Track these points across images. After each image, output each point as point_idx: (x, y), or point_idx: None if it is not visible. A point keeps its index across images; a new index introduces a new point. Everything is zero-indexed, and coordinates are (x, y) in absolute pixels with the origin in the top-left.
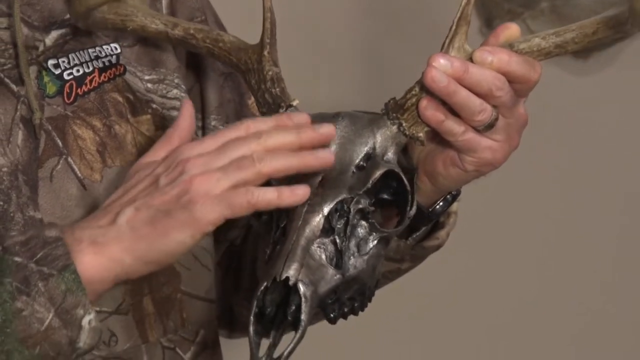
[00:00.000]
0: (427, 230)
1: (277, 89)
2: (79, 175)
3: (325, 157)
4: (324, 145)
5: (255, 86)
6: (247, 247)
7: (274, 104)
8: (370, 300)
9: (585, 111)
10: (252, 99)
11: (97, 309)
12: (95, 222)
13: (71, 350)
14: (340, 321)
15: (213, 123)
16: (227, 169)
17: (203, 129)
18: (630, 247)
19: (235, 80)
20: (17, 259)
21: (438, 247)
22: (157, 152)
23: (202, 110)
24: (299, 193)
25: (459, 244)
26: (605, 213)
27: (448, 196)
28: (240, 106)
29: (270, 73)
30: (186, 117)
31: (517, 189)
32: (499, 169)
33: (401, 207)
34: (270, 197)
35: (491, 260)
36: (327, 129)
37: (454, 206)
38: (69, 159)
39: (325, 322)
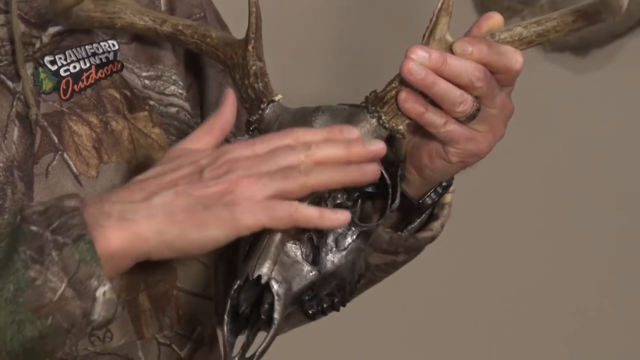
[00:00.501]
0: (422, 222)
1: (260, 84)
2: (75, 171)
3: (372, 172)
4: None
5: (239, 82)
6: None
7: (256, 99)
8: (352, 295)
9: (583, 108)
10: None
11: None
12: (128, 197)
13: (85, 322)
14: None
15: None
16: (273, 176)
17: None
18: (627, 244)
19: None
20: (33, 227)
21: (432, 239)
22: (200, 140)
23: (200, 107)
24: (340, 218)
25: (454, 241)
26: (601, 210)
27: (438, 187)
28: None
29: (254, 68)
30: (229, 107)
31: (514, 186)
32: (498, 167)
33: (384, 201)
34: (313, 215)
35: (486, 258)
36: (377, 147)
37: (448, 197)
38: (65, 155)
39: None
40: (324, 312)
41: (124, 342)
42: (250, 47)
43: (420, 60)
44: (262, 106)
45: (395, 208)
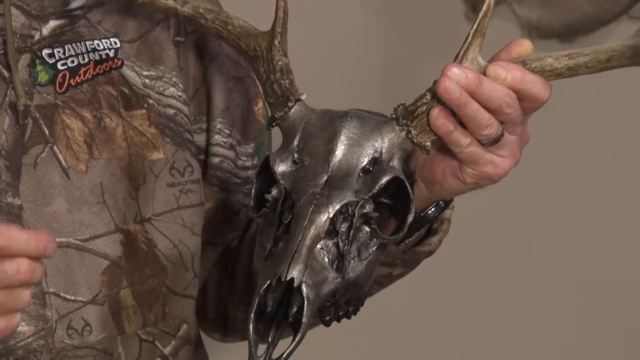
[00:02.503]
0: (420, 236)
1: (287, 81)
2: (64, 164)
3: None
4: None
5: (264, 75)
6: (243, 249)
7: (282, 96)
8: (362, 305)
9: (569, 95)
10: (259, 105)
11: (73, 297)
12: None
13: None
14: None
15: (219, 126)
16: None
17: (208, 132)
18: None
19: (244, 85)
20: None
21: (430, 253)
22: None
23: (207, 113)
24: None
25: (451, 250)
26: (594, 206)
27: (440, 202)
28: (247, 112)
29: (280, 63)
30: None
31: (511, 191)
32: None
33: (399, 213)
34: None
35: (483, 266)
36: None
37: (447, 213)
38: (55, 148)
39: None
40: (338, 319)
41: (103, 337)
42: (276, 42)
43: (456, 79)
44: (290, 104)
45: (410, 222)
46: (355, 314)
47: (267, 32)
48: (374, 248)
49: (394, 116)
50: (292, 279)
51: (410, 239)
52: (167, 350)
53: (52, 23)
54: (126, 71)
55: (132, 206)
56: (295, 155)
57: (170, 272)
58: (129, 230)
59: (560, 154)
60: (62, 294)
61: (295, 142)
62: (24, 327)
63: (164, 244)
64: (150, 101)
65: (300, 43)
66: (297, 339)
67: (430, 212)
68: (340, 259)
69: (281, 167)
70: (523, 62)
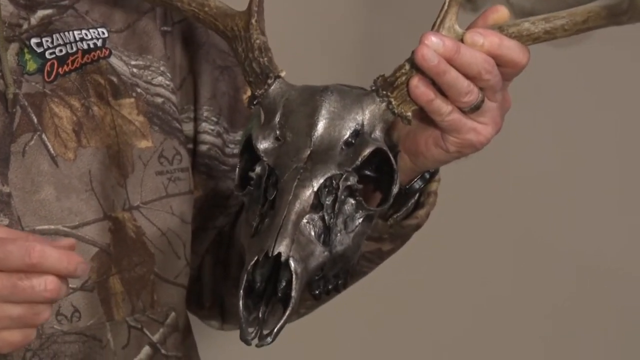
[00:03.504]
0: (407, 210)
1: (265, 59)
2: (52, 152)
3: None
4: None
5: (242, 54)
6: (236, 234)
7: (261, 73)
8: (352, 278)
9: (557, 83)
10: (247, 93)
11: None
12: None
13: None
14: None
15: (205, 114)
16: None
17: (195, 120)
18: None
19: (231, 75)
20: None
21: (417, 227)
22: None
23: (194, 102)
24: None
25: (441, 236)
26: (583, 190)
27: (425, 174)
28: (235, 100)
29: (257, 41)
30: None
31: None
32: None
33: (384, 185)
34: None
35: (476, 252)
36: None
37: (434, 186)
38: (43, 136)
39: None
40: (328, 293)
41: (92, 323)
42: (253, 21)
43: (434, 47)
44: (269, 81)
45: (395, 193)
46: (345, 287)
47: (244, 11)
48: (360, 220)
49: (373, 88)
50: (280, 254)
51: (398, 214)
52: (155, 337)
53: (41, 13)
54: (114, 60)
55: (120, 194)
56: (277, 132)
57: (159, 260)
58: (118, 217)
59: (555, 139)
60: None
61: (277, 119)
62: None
63: (152, 232)
64: (139, 90)
65: (278, 21)
66: (286, 313)
67: (415, 184)
68: (326, 233)
69: (263, 144)
70: (500, 28)
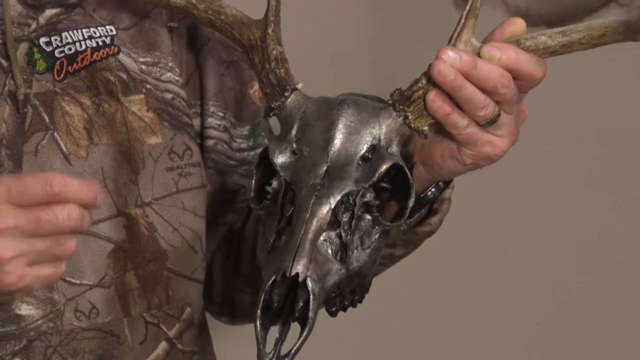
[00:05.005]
0: (420, 216)
1: (282, 70)
2: (65, 150)
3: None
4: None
5: (259, 65)
6: (247, 231)
7: (278, 85)
8: (367, 292)
9: (558, 83)
10: (254, 87)
11: (78, 281)
12: None
13: None
14: (344, 320)
15: (212, 109)
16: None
17: (202, 115)
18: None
19: (237, 69)
20: None
21: (431, 233)
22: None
23: (200, 97)
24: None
25: (453, 240)
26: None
27: (440, 183)
28: (242, 95)
29: (274, 52)
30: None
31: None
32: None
33: (399, 197)
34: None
35: (486, 257)
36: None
37: (447, 193)
38: (55, 135)
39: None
40: (344, 309)
41: (110, 319)
42: (270, 31)
43: (450, 62)
44: (286, 94)
45: (411, 206)
46: (360, 302)
47: (260, 20)
48: (376, 236)
49: (390, 102)
50: (297, 274)
51: (411, 220)
52: (171, 333)
53: (49, 12)
54: (123, 58)
55: (132, 190)
56: (294, 146)
57: (173, 256)
58: (131, 214)
59: (542, 129)
60: (67, 278)
61: (294, 132)
62: (32, 311)
63: (164, 228)
64: (148, 86)
65: (295, 31)
66: (304, 334)
67: (430, 193)
68: (343, 250)
69: (280, 159)
70: (517, 42)
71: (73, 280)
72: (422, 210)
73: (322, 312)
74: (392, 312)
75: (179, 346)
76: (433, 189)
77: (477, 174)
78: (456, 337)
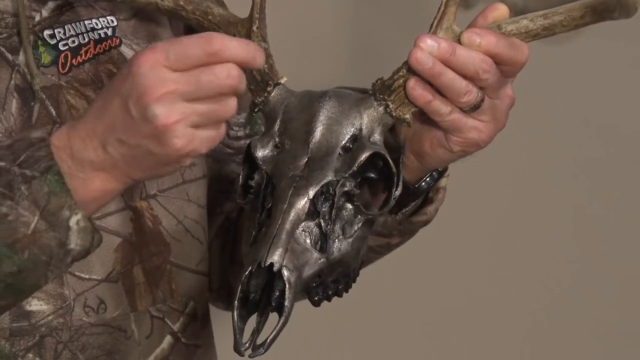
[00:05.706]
0: (416, 205)
1: (266, 66)
2: None
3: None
4: None
5: None
6: (243, 220)
7: (261, 81)
8: (354, 282)
9: (548, 75)
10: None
11: (87, 276)
12: (89, 143)
13: (63, 252)
14: (325, 307)
15: None
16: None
17: None
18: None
19: None
20: (1, 163)
21: (426, 223)
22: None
23: None
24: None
25: (448, 234)
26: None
27: (434, 172)
28: None
29: None
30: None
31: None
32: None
33: (388, 187)
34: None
35: (482, 251)
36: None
37: (443, 182)
38: None
39: (308, 310)
40: (328, 299)
41: (117, 314)
42: (254, 28)
43: (429, 50)
44: (269, 89)
45: (398, 195)
46: (346, 291)
47: (245, 18)
48: (359, 225)
49: (371, 92)
50: (272, 264)
51: (406, 209)
52: (176, 326)
53: (51, 4)
54: (125, 49)
55: (138, 183)
56: (276, 139)
57: (176, 249)
58: (137, 207)
59: (552, 136)
60: (77, 273)
61: (276, 126)
62: (43, 306)
63: (168, 221)
64: None
65: (281, 27)
66: (280, 323)
67: (424, 182)
68: (323, 239)
69: (261, 152)
70: (498, 27)
71: (82, 275)
72: (418, 200)
73: (306, 302)
74: (380, 303)
75: (183, 340)
76: (427, 179)
77: (470, 162)
78: (449, 327)
